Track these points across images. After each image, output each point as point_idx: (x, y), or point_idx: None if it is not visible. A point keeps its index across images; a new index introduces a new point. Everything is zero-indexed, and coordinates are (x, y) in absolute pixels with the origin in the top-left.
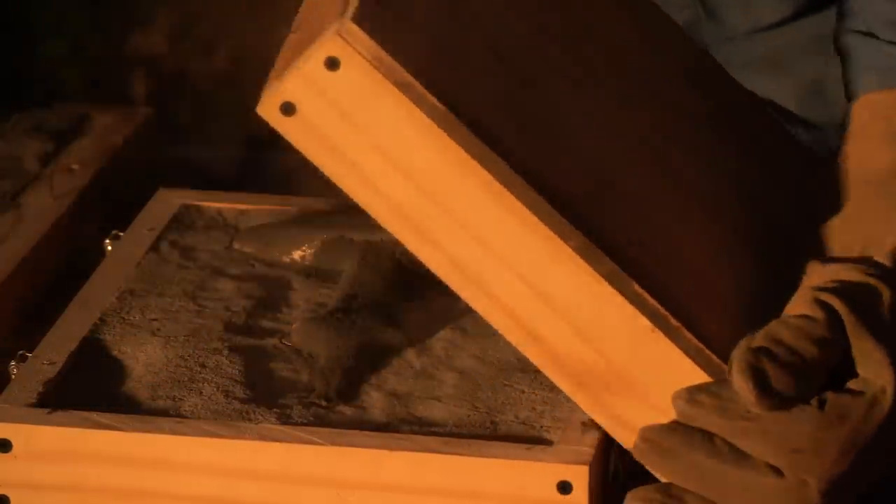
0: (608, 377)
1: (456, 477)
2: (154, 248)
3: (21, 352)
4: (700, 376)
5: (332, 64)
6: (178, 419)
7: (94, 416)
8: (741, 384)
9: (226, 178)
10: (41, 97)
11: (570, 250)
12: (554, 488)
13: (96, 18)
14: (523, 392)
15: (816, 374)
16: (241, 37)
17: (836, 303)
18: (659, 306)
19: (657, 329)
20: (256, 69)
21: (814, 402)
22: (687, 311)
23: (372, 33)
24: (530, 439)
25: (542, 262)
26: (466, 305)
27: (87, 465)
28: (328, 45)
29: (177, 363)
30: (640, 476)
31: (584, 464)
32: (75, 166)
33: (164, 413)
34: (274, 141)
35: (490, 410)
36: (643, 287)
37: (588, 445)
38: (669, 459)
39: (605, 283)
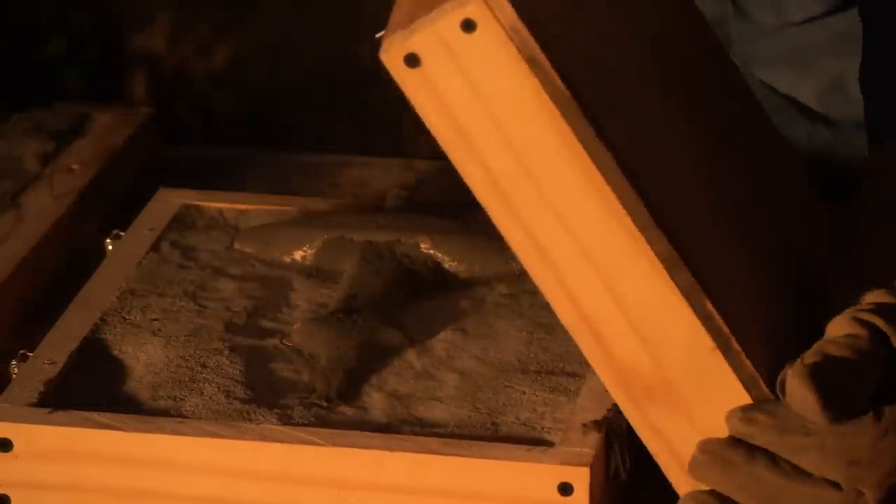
0: (654, 384)
1: (456, 478)
2: (155, 248)
3: (22, 351)
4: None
5: (468, 26)
6: (179, 419)
7: (95, 415)
8: (805, 394)
9: (226, 178)
10: (41, 97)
11: (653, 255)
12: (555, 489)
13: (96, 18)
14: (524, 393)
15: (868, 386)
16: (242, 37)
17: (876, 320)
18: (725, 327)
19: (718, 350)
20: (257, 69)
21: (869, 414)
22: (746, 338)
23: (513, 2)
24: (531, 440)
25: (622, 260)
26: (467, 306)
27: (87, 465)
28: (469, 7)
29: (177, 363)
30: (641, 476)
31: (584, 465)
32: (75, 166)
33: (164, 413)
34: (274, 141)
35: (491, 411)
36: (714, 306)
37: (589, 447)
38: (730, 472)
39: (679, 295)
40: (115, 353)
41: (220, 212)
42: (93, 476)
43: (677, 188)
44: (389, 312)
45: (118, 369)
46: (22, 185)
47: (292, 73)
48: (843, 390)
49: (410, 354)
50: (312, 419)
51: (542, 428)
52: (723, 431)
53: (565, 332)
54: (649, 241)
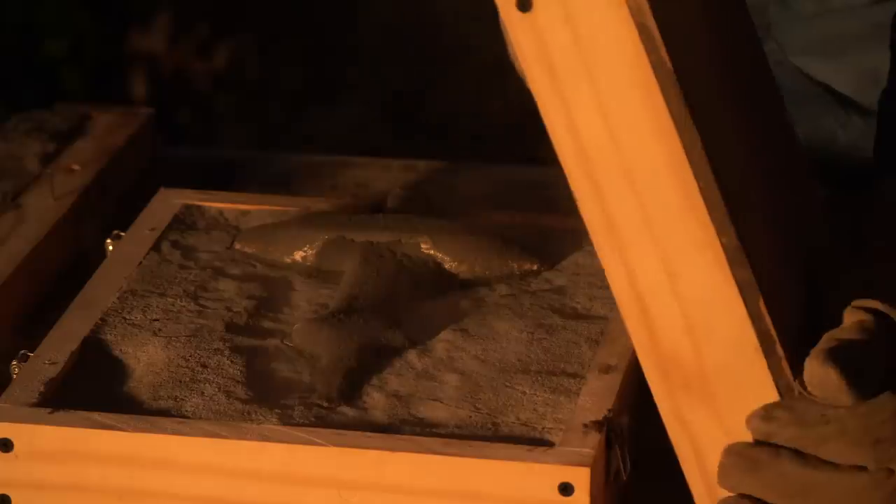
0: (693, 377)
1: (457, 478)
2: (155, 248)
3: (22, 351)
4: None
5: None
6: (180, 419)
7: (96, 416)
8: (827, 375)
9: (226, 178)
10: (41, 97)
11: (718, 245)
12: (555, 490)
13: (96, 18)
14: (525, 393)
15: (880, 366)
16: (242, 37)
17: (875, 304)
18: (772, 329)
19: (761, 351)
20: (257, 69)
21: (886, 392)
22: (786, 343)
23: None
24: (531, 441)
25: (688, 245)
26: (468, 306)
27: (88, 465)
28: None
29: (178, 363)
30: (640, 477)
31: (585, 466)
32: (76, 166)
33: (165, 413)
34: (274, 141)
35: (491, 412)
36: (765, 306)
37: (589, 447)
38: (757, 472)
39: (736, 290)
40: (116, 353)
41: (221, 212)
42: (93, 476)
43: (739, 185)
44: (390, 313)
45: (119, 369)
46: (22, 186)
47: (292, 73)
48: (860, 369)
49: (411, 355)
50: (313, 419)
51: (543, 428)
52: (749, 434)
53: (566, 332)
54: (718, 232)
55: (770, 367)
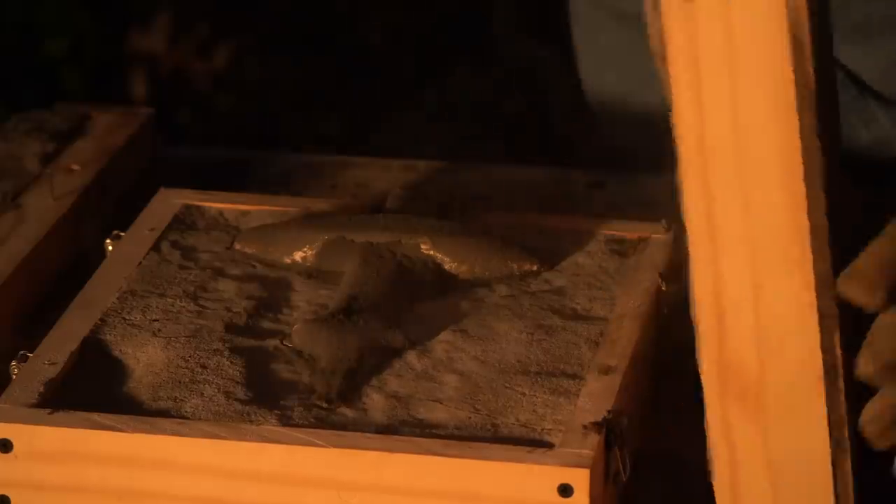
0: (749, 390)
1: (456, 479)
2: (155, 248)
3: (22, 352)
4: (822, 450)
5: None
6: (179, 420)
7: (95, 416)
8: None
9: (226, 178)
10: (41, 97)
11: (811, 271)
12: (554, 491)
13: (96, 18)
14: (524, 394)
15: None
16: (242, 37)
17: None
18: (840, 364)
19: (823, 382)
20: (256, 69)
21: None
22: (847, 377)
23: None
24: (531, 442)
25: (781, 265)
26: (468, 307)
27: (87, 466)
28: None
29: (178, 364)
30: (640, 478)
31: (584, 467)
32: (76, 166)
33: (164, 414)
34: (274, 141)
35: (491, 413)
36: (839, 341)
37: (589, 448)
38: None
39: (816, 317)
40: (116, 353)
41: (221, 212)
42: (93, 477)
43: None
44: (390, 313)
45: (118, 370)
46: (22, 186)
47: (292, 73)
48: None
49: (410, 356)
50: (312, 420)
51: (542, 429)
52: (789, 463)
53: (565, 333)
54: (815, 258)
55: (827, 398)
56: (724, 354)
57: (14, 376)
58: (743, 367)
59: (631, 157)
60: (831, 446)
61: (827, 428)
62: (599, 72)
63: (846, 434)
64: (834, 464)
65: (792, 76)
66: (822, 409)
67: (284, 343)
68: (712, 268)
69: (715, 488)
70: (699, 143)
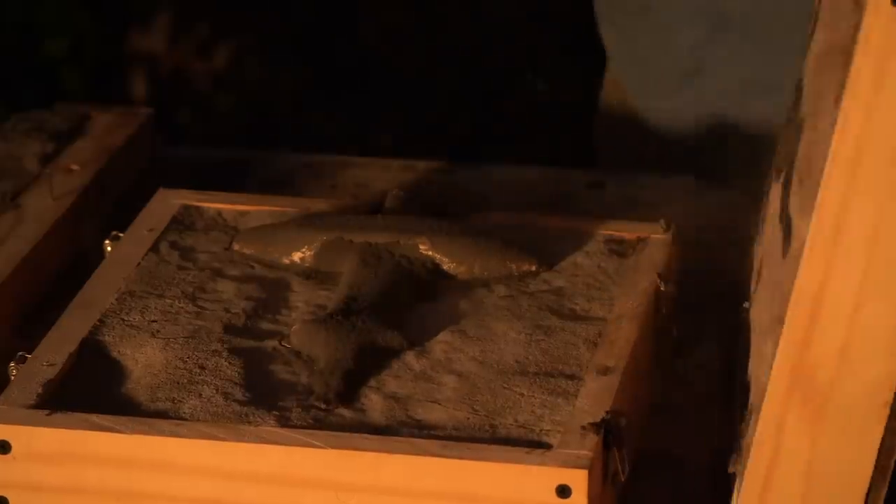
0: (816, 397)
1: (455, 480)
2: (154, 248)
3: (20, 353)
4: (865, 473)
5: None
6: (178, 421)
7: (94, 417)
8: None
9: (225, 178)
10: (41, 97)
11: None
12: (553, 492)
13: (96, 18)
14: (523, 395)
15: None
16: (242, 37)
17: None
18: None
19: (886, 410)
20: (256, 69)
21: None
22: None
23: None
24: (529, 443)
25: (890, 284)
26: (466, 308)
27: (86, 467)
28: None
29: (176, 365)
30: (641, 478)
31: (583, 468)
32: (75, 166)
33: (163, 415)
34: (274, 141)
35: (489, 414)
36: None
37: (587, 449)
38: None
39: None
40: (114, 354)
41: (220, 212)
42: (91, 478)
43: None
44: (388, 314)
45: (117, 371)
46: (22, 186)
47: (292, 73)
48: None
49: (409, 356)
50: (311, 421)
51: (541, 430)
52: (828, 477)
53: (564, 333)
54: None
55: (887, 426)
56: (803, 357)
57: (12, 377)
58: (817, 374)
59: (637, 158)
60: (874, 472)
61: (876, 453)
62: (624, 68)
63: (891, 464)
64: (871, 489)
65: None
66: (877, 435)
67: (283, 344)
68: (821, 274)
69: (744, 480)
70: (858, 143)
